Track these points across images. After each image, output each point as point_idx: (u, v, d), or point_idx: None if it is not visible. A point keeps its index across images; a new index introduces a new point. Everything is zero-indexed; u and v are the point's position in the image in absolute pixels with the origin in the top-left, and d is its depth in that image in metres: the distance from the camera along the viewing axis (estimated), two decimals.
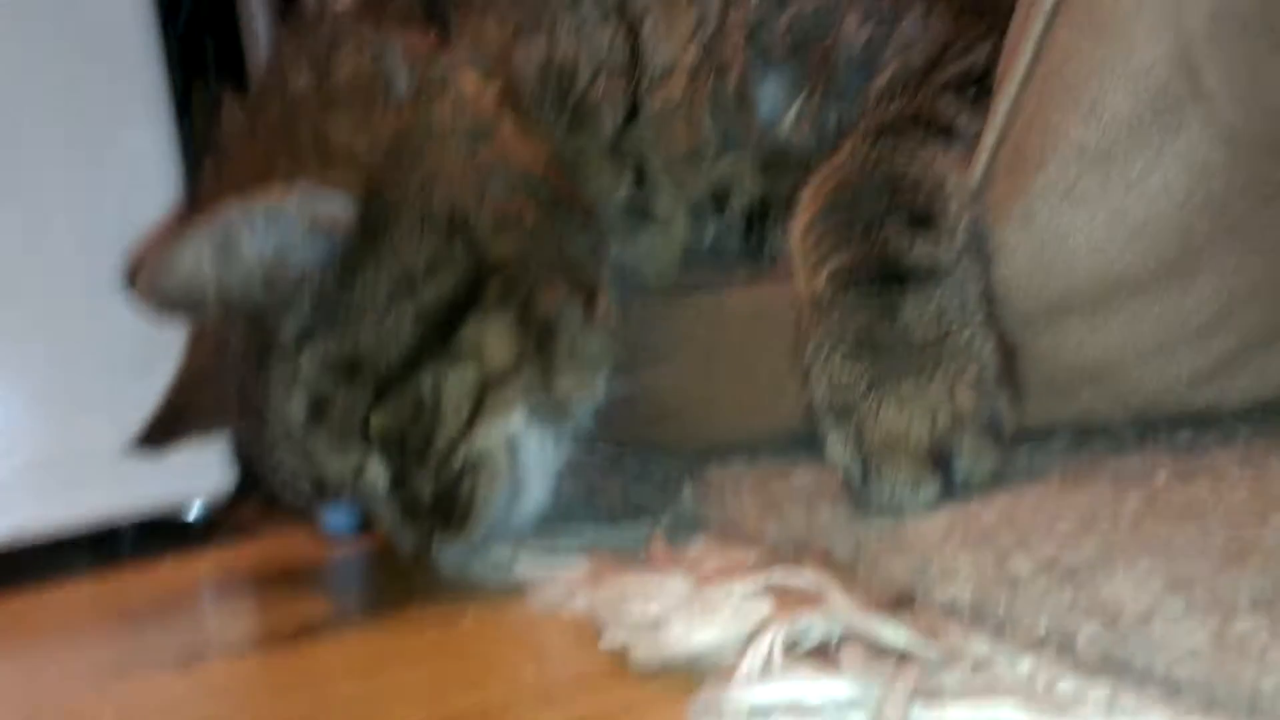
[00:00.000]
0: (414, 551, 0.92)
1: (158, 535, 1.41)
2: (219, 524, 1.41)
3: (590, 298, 0.90)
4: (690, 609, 0.66)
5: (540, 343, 0.88)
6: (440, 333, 0.85)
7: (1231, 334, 0.70)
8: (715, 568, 0.75)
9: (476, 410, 0.87)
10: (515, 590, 0.86)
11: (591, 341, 0.92)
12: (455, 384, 0.86)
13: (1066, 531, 0.60)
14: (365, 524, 1.23)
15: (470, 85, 0.91)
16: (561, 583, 0.81)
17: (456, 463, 0.87)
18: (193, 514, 1.36)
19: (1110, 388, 0.72)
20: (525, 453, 0.90)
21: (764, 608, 0.63)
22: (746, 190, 0.96)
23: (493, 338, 0.86)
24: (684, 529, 0.89)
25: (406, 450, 0.87)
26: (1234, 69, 0.66)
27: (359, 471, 0.89)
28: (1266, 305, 0.69)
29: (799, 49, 0.92)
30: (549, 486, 0.93)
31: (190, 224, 0.82)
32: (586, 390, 0.92)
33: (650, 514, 0.94)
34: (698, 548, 0.82)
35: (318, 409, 0.86)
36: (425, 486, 0.88)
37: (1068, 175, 0.69)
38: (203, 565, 1.26)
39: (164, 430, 1.08)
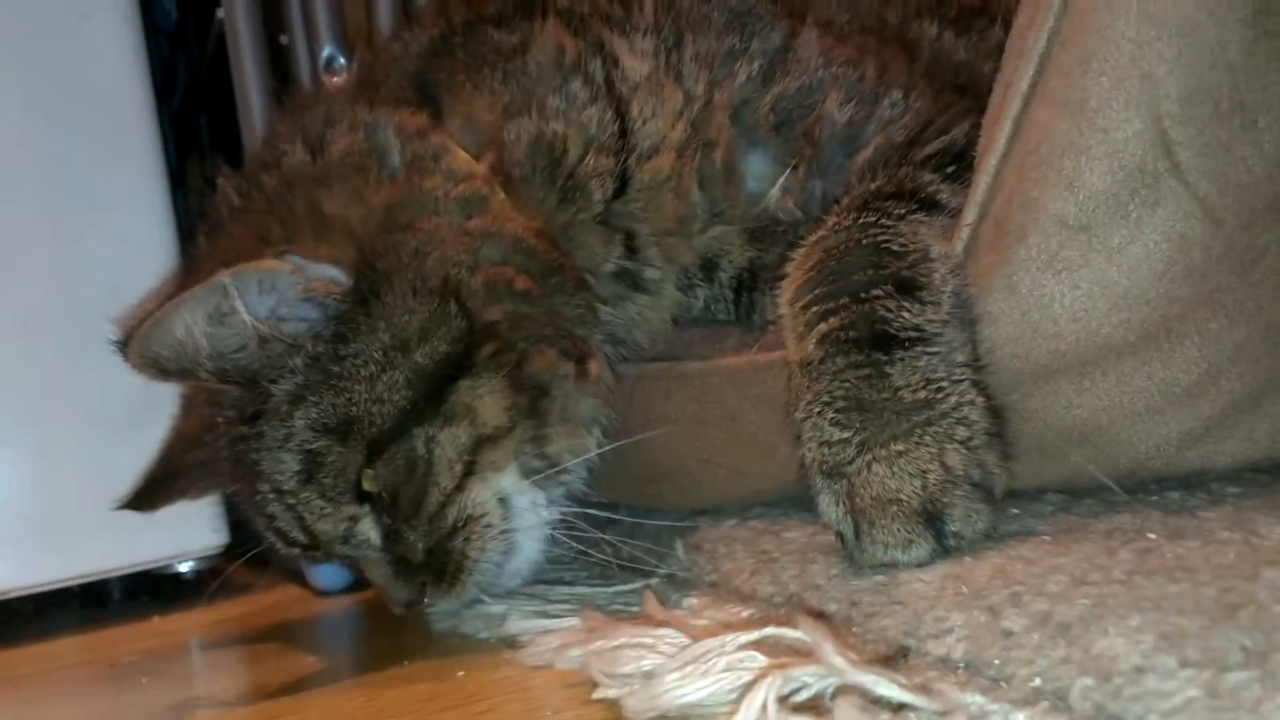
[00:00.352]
0: (406, 608, 0.92)
1: (148, 592, 1.41)
2: (210, 582, 1.41)
3: (582, 362, 0.92)
4: (684, 662, 0.66)
5: (533, 404, 0.89)
6: (432, 395, 0.86)
7: (1219, 397, 0.72)
8: (709, 623, 0.76)
9: (469, 469, 0.88)
10: (508, 645, 0.86)
11: (583, 404, 0.93)
12: (448, 444, 0.87)
13: (1059, 588, 0.61)
14: (356, 582, 1.23)
15: (461, 160, 0.93)
16: (554, 638, 0.81)
17: (449, 520, 0.88)
18: (185, 571, 1.35)
19: (1099, 449, 0.74)
20: (517, 511, 0.91)
21: (758, 661, 0.64)
22: (735, 259, 0.98)
23: (485, 400, 0.87)
24: (677, 587, 0.90)
25: (399, 508, 0.87)
26: (1207, 146, 0.69)
27: (350, 529, 0.90)
28: (1252, 368, 0.72)
29: (782, 126, 0.95)
30: (541, 545, 0.94)
31: (183, 291, 0.84)
32: (578, 451, 0.93)
33: (643, 572, 0.95)
34: (691, 604, 0.82)
35: (309, 468, 0.87)
36: (418, 543, 0.88)
37: (1049, 247, 0.71)
38: (193, 621, 1.25)
39: (153, 492, 1.09)
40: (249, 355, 0.86)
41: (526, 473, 0.90)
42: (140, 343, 0.83)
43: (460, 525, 0.88)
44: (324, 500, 0.88)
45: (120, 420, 1.26)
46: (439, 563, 0.89)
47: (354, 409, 0.85)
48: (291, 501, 0.89)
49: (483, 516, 0.89)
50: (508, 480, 0.90)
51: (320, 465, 0.87)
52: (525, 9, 1.02)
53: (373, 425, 0.85)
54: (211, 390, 0.93)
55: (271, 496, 0.89)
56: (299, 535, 0.91)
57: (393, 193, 0.90)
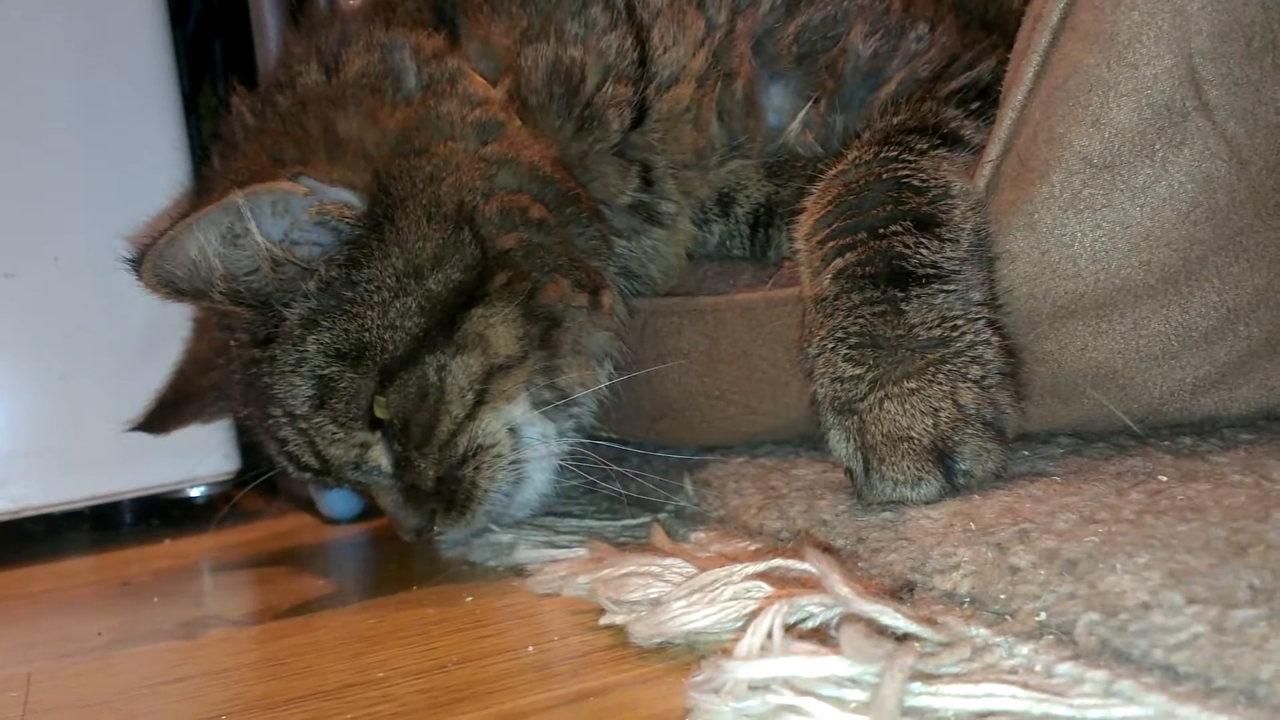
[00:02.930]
0: (415, 535, 0.93)
1: (159, 516, 1.42)
2: (220, 507, 1.42)
3: (595, 293, 0.91)
4: (690, 590, 0.67)
5: (545, 335, 0.89)
6: (445, 322, 0.86)
7: (1236, 342, 0.71)
8: (716, 556, 0.76)
9: (480, 398, 0.87)
10: (515, 573, 0.87)
11: (595, 336, 0.92)
12: (459, 372, 0.86)
13: (1067, 526, 0.61)
14: (365, 510, 1.24)
15: (478, 85, 0.92)
16: (562, 566, 0.82)
17: (459, 449, 0.88)
18: (196, 496, 1.37)
19: (1114, 393, 0.73)
20: (527, 442, 0.91)
21: (764, 590, 0.64)
22: (752, 194, 0.97)
23: (498, 329, 0.87)
24: (685, 522, 0.90)
25: (410, 436, 0.87)
26: (1238, 85, 0.68)
27: (361, 456, 0.90)
28: (1271, 315, 0.71)
29: (805, 59, 0.93)
30: (550, 476, 0.94)
31: (196, 211, 0.83)
32: (589, 383, 0.93)
33: (651, 507, 0.95)
34: (698, 538, 0.83)
35: (322, 394, 0.87)
36: (429, 471, 0.89)
37: (1072, 185, 0.70)
38: (203, 545, 1.27)
39: (165, 415, 1.09)
40: (262, 278, 0.85)
41: (537, 404, 0.90)
42: (153, 261, 0.83)
43: (471, 454, 0.88)
44: (336, 425, 0.88)
45: (134, 344, 1.27)
46: (449, 491, 0.89)
47: (366, 334, 0.85)
48: (304, 426, 0.89)
49: (493, 446, 0.89)
50: (518, 411, 0.89)
51: (333, 391, 0.87)
52: None
53: (385, 351, 0.85)
54: (224, 313, 0.92)
55: (284, 421, 0.90)
56: (311, 460, 0.91)
57: (408, 115, 0.89)
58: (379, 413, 0.88)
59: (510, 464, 0.90)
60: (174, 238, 0.82)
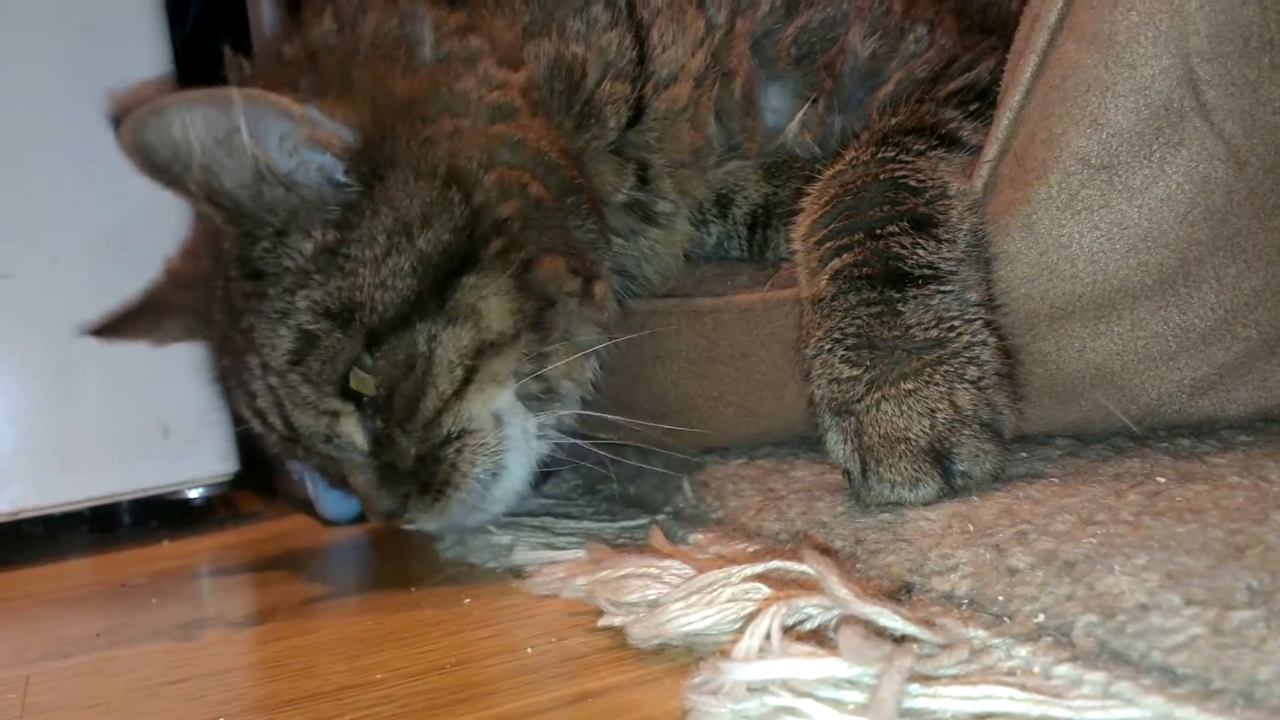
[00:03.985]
0: (385, 519, 0.90)
1: (158, 517, 1.42)
2: (219, 509, 1.42)
3: (589, 282, 0.90)
4: (688, 592, 0.67)
5: (537, 315, 0.87)
6: (437, 288, 0.84)
7: (1234, 344, 0.71)
8: (714, 557, 0.76)
9: (469, 376, 0.85)
10: (514, 575, 0.87)
11: (585, 327, 0.91)
12: (449, 344, 0.84)
13: (1065, 527, 0.61)
14: (364, 513, 1.24)
15: (496, 69, 0.91)
16: (560, 568, 0.82)
17: (444, 429, 0.86)
18: (194, 498, 1.37)
19: (1112, 394, 0.74)
20: (510, 434, 0.88)
21: (762, 592, 0.64)
22: (750, 195, 0.97)
23: (490, 300, 0.85)
24: (683, 524, 0.90)
25: (394, 408, 0.85)
26: (1236, 86, 0.68)
27: (332, 427, 0.87)
28: (1269, 315, 0.71)
29: (803, 60, 0.93)
30: (527, 473, 0.91)
31: (189, 91, 0.81)
32: (576, 378, 0.91)
33: (650, 509, 0.95)
34: (697, 540, 0.83)
35: (302, 349, 0.85)
36: (409, 449, 0.86)
37: (1070, 186, 0.70)
38: (202, 546, 1.27)
39: (121, 322, 1.06)
40: (244, 187, 0.84)
41: (523, 395, 0.88)
42: (134, 125, 0.80)
43: (455, 436, 0.86)
44: (309, 386, 0.86)
45: (138, 351, 1.26)
46: (428, 473, 0.87)
47: (358, 294, 0.83)
48: (275, 382, 0.87)
49: (477, 432, 0.87)
50: (504, 400, 0.88)
51: (313, 347, 0.84)
52: None
53: (375, 312, 0.83)
54: (214, 236, 0.90)
55: (258, 372, 0.87)
56: (276, 421, 0.89)
57: (416, 85, 0.88)
58: (354, 385, 0.85)
59: (493, 453, 0.88)
60: (159, 107, 0.81)
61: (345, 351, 0.85)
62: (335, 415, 0.88)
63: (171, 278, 1.04)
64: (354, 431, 0.88)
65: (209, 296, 0.93)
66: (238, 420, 1.31)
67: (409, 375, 0.85)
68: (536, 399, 0.89)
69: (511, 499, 0.92)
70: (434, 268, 0.84)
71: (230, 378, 0.93)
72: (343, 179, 0.85)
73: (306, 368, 0.85)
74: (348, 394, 0.86)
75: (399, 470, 0.87)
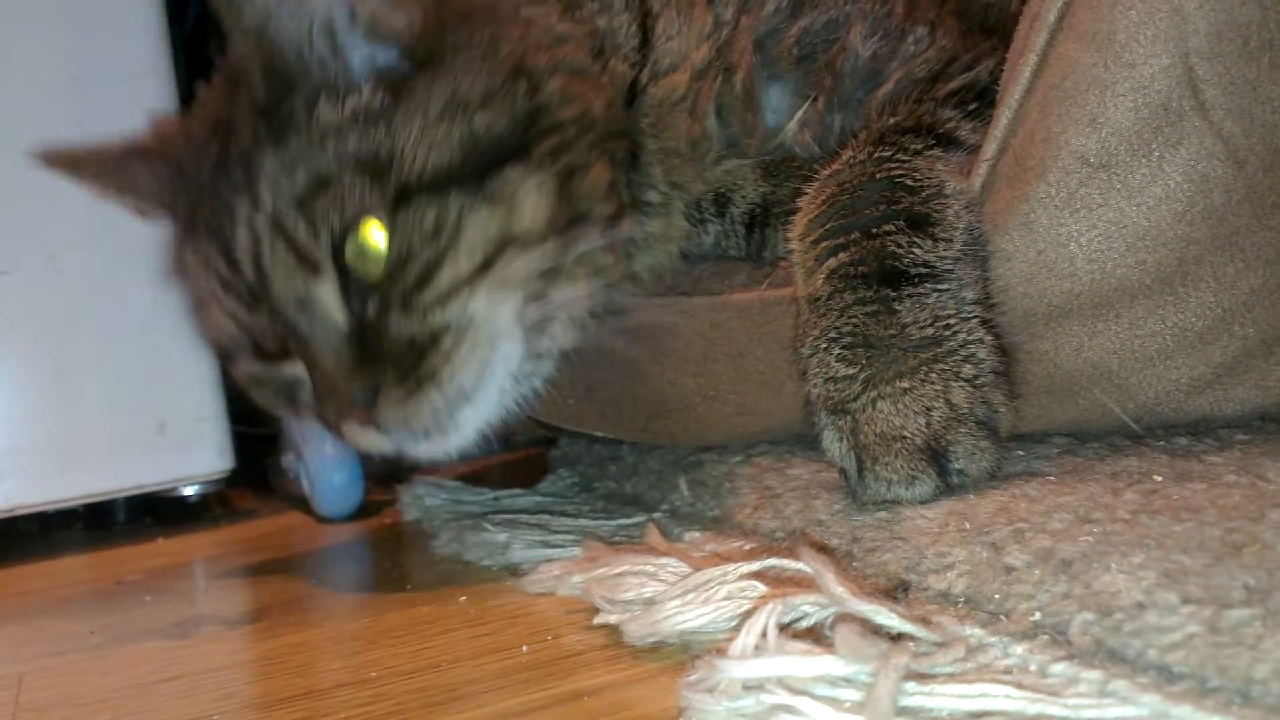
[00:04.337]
0: (345, 412, 0.83)
1: (152, 514, 1.42)
2: (214, 506, 1.42)
3: (618, 215, 0.89)
4: (685, 590, 0.66)
5: (568, 225, 0.85)
6: (479, 173, 0.82)
7: (1231, 343, 0.71)
8: (710, 555, 0.76)
9: (487, 265, 0.82)
10: (510, 573, 0.87)
11: (603, 259, 0.89)
12: (480, 223, 0.82)
13: (1062, 525, 0.61)
14: (360, 509, 1.24)
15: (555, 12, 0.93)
16: (556, 565, 0.81)
17: (449, 312, 0.82)
18: (189, 495, 1.37)
19: (1110, 392, 0.73)
20: (501, 352, 0.85)
21: (759, 590, 0.64)
22: (748, 194, 0.96)
23: (531, 194, 0.83)
24: (679, 522, 0.90)
25: (404, 278, 0.81)
26: (1235, 84, 0.68)
27: (310, 287, 0.82)
28: (1267, 315, 0.71)
29: (805, 60, 0.93)
30: (495, 411, 0.87)
31: None
32: (574, 312, 0.88)
33: (646, 506, 0.95)
34: (693, 538, 0.83)
35: (315, 190, 0.81)
36: (404, 326, 0.81)
37: (1068, 184, 0.70)
38: (197, 544, 1.27)
39: (89, 160, 1.00)
40: (298, 48, 0.83)
41: (523, 318, 0.85)
42: None
43: (454, 326, 0.82)
44: (307, 229, 0.81)
45: (131, 342, 1.27)
46: (414, 357, 0.82)
47: (400, 149, 0.81)
48: (266, 223, 0.82)
49: (477, 329, 0.83)
50: (507, 310, 0.84)
51: (327, 190, 0.81)
52: None
53: (413, 168, 0.81)
54: (227, 93, 0.89)
55: (247, 213, 0.83)
56: (249, 270, 0.84)
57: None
58: (351, 257, 0.81)
59: (483, 361, 0.84)
60: None
61: (366, 200, 0.81)
62: (317, 272, 0.82)
63: (157, 137, 1.00)
64: (332, 302, 0.83)
65: (197, 156, 0.90)
66: (234, 417, 1.33)
67: (431, 242, 0.81)
68: (532, 329, 0.86)
69: (472, 434, 0.86)
70: (481, 151, 0.83)
71: (198, 237, 0.88)
72: (399, 56, 0.84)
73: (312, 208, 0.81)
74: (340, 260, 0.82)
75: (379, 353, 0.82)
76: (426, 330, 0.82)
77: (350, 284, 0.82)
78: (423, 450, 0.86)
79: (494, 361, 0.84)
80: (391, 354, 0.82)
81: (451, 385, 0.82)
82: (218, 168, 0.86)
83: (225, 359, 0.95)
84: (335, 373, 0.83)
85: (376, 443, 0.86)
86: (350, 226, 0.81)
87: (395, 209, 0.81)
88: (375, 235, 0.81)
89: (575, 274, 0.87)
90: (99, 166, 0.99)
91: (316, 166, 0.82)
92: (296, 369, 0.88)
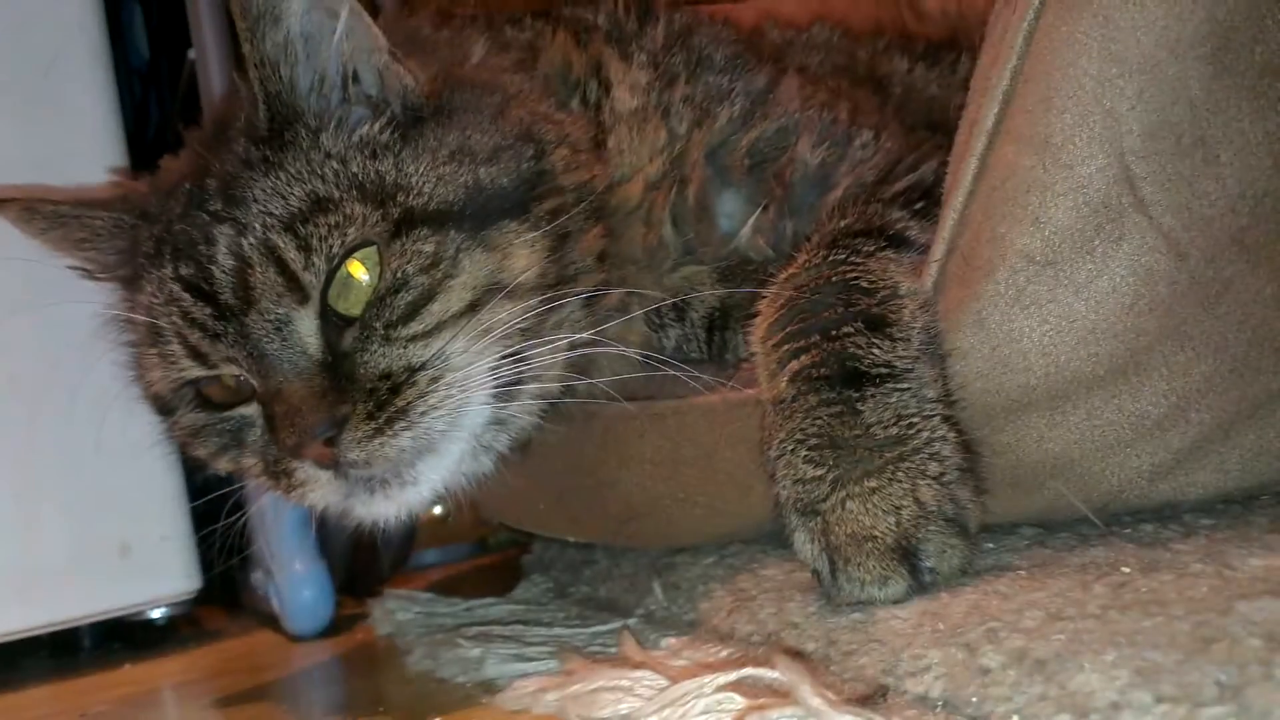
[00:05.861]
0: (308, 441, 0.80)
1: (120, 639, 1.39)
2: (182, 628, 1.39)
3: (606, 282, 0.91)
4: (661, 705, 0.66)
5: (555, 283, 0.86)
6: (479, 219, 0.83)
7: (1188, 429, 0.72)
8: (687, 664, 0.75)
9: (472, 309, 0.82)
10: (484, 689, 0.85)
11: (581, 322, 0.89)
12: (473, 266, 0.82)
13: (1035, 624, 0.61)
14: (331, 626, 1.22)
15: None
16: (531, 681, 0.80)
17: (433, 349, 0.81)
18: (157, 618, 1.34)
19: (1073, 482, 0.74)
20: (469, 407, 0.83)
21: (736, 703, 0.64)
22: (706, 298, 0.98)
23: (523, 249, 0.84)
24: (655, 626, 0.89)
25: (391, 307, 0.80)
26: (1171, 181, 0.70)
27: (291, 314, 0.81)
28: (1220, 400, 0.72)
29: (756, 168, 0.95)
30: (456, 465, 0.86)
31: None
32: (545, 374, 0.88)
33: (621, 612, 0.94)
34: (669, 645, 0.82)
35: (312, 211, 0.81)
36: (381, 360, 0.80)
37: (1016, 282, 0.72)
38: (165, 669, 1.23)
39: (43, 204, 0.97)
40: (308, 83, 0.85)
41: (496, 374, 0.84)
42: None
43: (434, 366, 0.81)
44: (299, 251, 0.81)
45: (94, 468, 1.25)
46: (388, 392, 0.80)
47: (404, 179, 0.83)
48: (252, 244, 0.81)
49: (454, 374, 0.82)
50: (483, 363, 0.83)
51: (325, 213, 0.81)
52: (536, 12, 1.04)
53: (419, 196, 0.82)
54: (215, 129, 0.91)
55: (230, 234, 0.82)
56: (228, 292, 0.82)
57: (480, 74, 0.93)
58: (332, 298, 0.81)
59: (455, 407, 0.82)
60: None
61: (367, 225, 0.81)
62: (304, 299, 0.82)
63: (118, 188, 1.01)
64: (311, 328, 0.82)
65: (165, 200, 0.91)
66: (197, 536, 1.30)
67: (427, 273, 0.82)
68: (502, 391, 0.85)
69: (428, 494, 0.85)
70: (484, 201, 0.84)
71: (162, 267, 0.87)
72: (404, 109, 0.87)
73: (309, 230, 0.81)
74: (327, 288, 0.82)
75: (349, 385, 0.80)
76: (404, 364, 0.81)
77: (329, 313, 0.82)
78: (375, 507, 0.85)
79: (465, 412, 0.83)
80: (363, 386, 0.80)
81: (421, 425, 0.81)
82: (192, 203, 0.87)
83: (165, 412, 0.93)
84: (302, 401, 0.81)
85: (327, 491, 0.84)
86: (350, 253, 0.81)
87: (394, 236, 0.82)
88: (362, 269, 0.81)
89: (553, 337, 0.87)
90: (53, 218, 0.97)
91: (314, 189, 0.82)
92: (246, 410, 0.87)
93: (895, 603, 0.70)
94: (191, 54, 1.36)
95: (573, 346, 0.89)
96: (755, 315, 0.82)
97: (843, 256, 0.79)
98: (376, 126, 0.85)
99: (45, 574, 1.24)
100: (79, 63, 1.30)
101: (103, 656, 1.34)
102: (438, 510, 0.95)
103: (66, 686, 1.23)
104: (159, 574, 1.29)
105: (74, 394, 1.22)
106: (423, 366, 0.81)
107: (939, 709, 0.60)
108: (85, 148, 1.29)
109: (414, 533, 1.43)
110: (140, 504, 1.28)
